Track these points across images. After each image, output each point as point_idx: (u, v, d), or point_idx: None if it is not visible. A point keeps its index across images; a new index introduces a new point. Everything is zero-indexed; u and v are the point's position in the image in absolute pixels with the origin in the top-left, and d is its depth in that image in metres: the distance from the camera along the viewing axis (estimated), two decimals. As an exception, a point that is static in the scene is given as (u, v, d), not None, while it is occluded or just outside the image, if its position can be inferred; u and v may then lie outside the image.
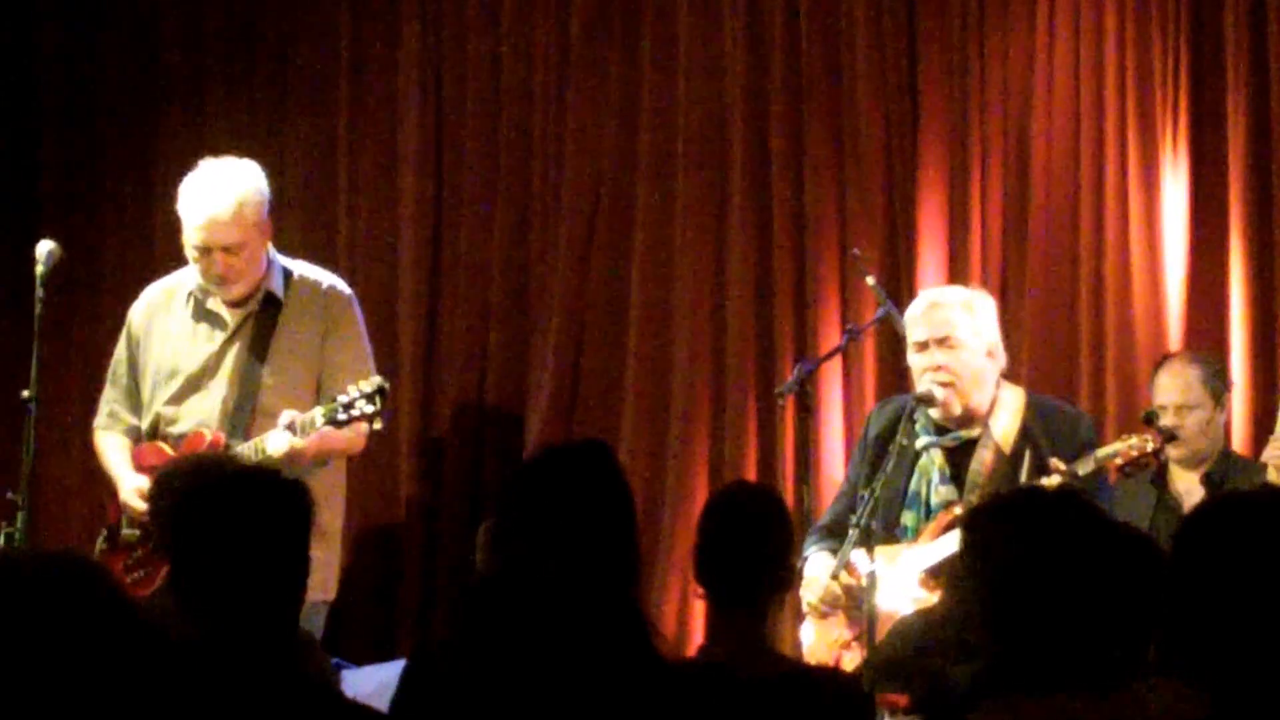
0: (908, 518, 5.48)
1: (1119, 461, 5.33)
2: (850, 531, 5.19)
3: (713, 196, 6.73)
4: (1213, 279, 6.08)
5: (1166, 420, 5.56)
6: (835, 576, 5.33)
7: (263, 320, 5.75)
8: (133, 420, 5.86)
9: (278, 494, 3.24)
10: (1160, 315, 6.11)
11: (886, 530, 5.41)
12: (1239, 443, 5.91)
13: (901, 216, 6.47)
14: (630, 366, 6.80)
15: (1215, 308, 6.07)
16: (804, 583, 5.41)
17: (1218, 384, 5.75)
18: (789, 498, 6.02)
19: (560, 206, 6.92)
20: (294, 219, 7.15)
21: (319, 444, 5.54)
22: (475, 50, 7.06)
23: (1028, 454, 5.40)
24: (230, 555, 3.15)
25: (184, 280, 5.84)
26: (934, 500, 5.47)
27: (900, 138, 6.49)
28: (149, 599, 5.16)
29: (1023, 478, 5.34)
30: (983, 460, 5.45)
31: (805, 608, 5.45)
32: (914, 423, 5.46)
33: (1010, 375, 5.62)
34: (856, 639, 5.26)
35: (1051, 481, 5.17)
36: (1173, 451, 5.66)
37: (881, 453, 5.44)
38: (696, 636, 6.27)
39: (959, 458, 5.48)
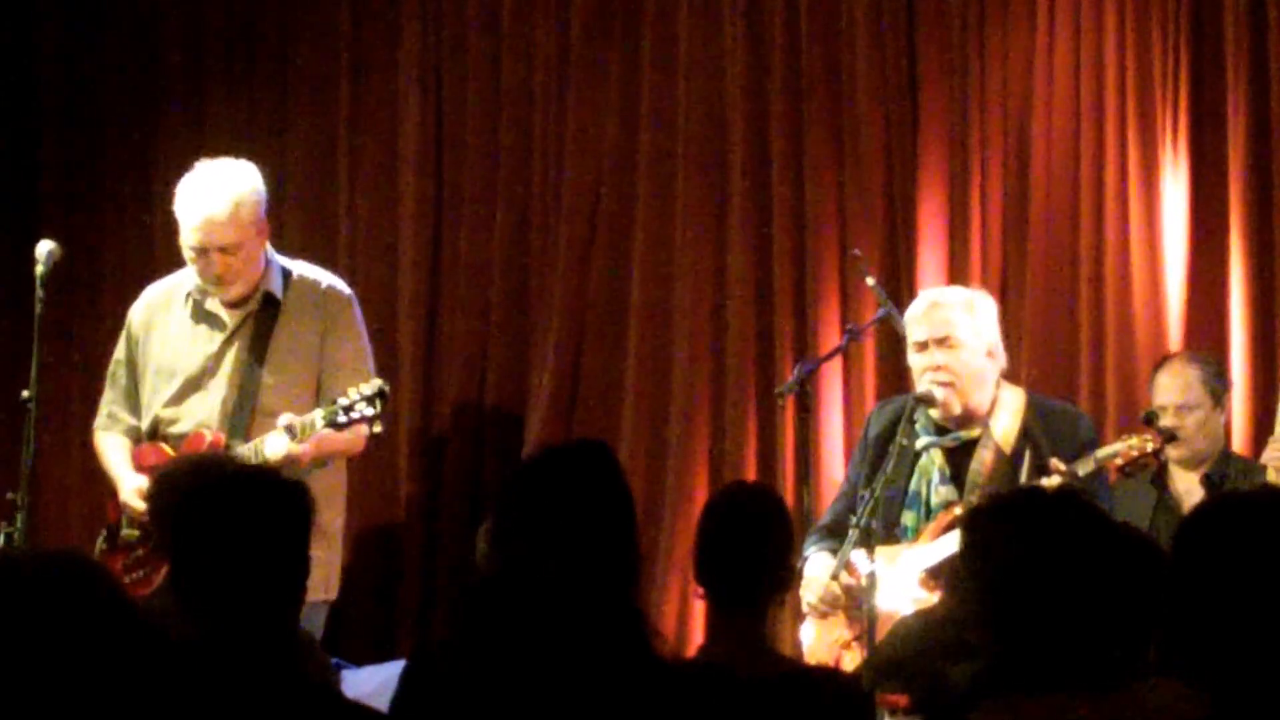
0: (908, 518, 5.48)
1: (1119, 462, 5.33)
2: (850, 532, 5.19)
3: (713, 196, 6.73)
4: (1213, 279, 6.08)
5: (1166, 421, 5.56)
6: (835, 577, 5.33)
7: (262, 320, 5.75)
8: (132, 421, 5.86)
9: (278, 494, 3.24)
10: (1160, 315, 6.11)
11: (886, 530, 5.41)
12: (1239, 443, 5.91)
13: (901, 216, 6.47)
14: (630, 366, 6.80)
15: (1215, 308, 6.07)
16: (804, 583, 5.41)
17: (1217, 384, 5.75)
18: (789, 498, 6.03)
19: (560, 206, 6.92)
20: (294, 219, 7.15)
21: (316, 448, 5.54)
22: (475, 50, 7.06)
23: (1028, 454, 5.40)
24: (230, 555, 3.15)
25: (183, 281, 5.84)
26: (934, 500, 5.47)
27: (900, 138, 6.49)
28: (149, 599, 5.16)
29: (1023, 478, 5.34)
30: (983, 460, 5.45)
31: (805, 608, 5.45)
32: (914, 423, 5.46)
33: (1010, 375, 5.62)
34: (856, 639, 5.26)
35: (1051, 482, 5.17)
36: (1172, 452, 5.66)
37: (882, 453, 5.44)
38: (696, 636, 6.27)
39: (959, 458, 5.48)
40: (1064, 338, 6.25)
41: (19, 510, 5.50)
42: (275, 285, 5.76)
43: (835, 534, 5.44)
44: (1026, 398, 5.55)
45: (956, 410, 5.46)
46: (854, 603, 5.28)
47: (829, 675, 4.19)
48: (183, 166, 5.83)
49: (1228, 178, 6.06)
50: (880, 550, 5.20)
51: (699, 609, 6.17)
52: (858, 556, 5.24)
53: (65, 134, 7.57)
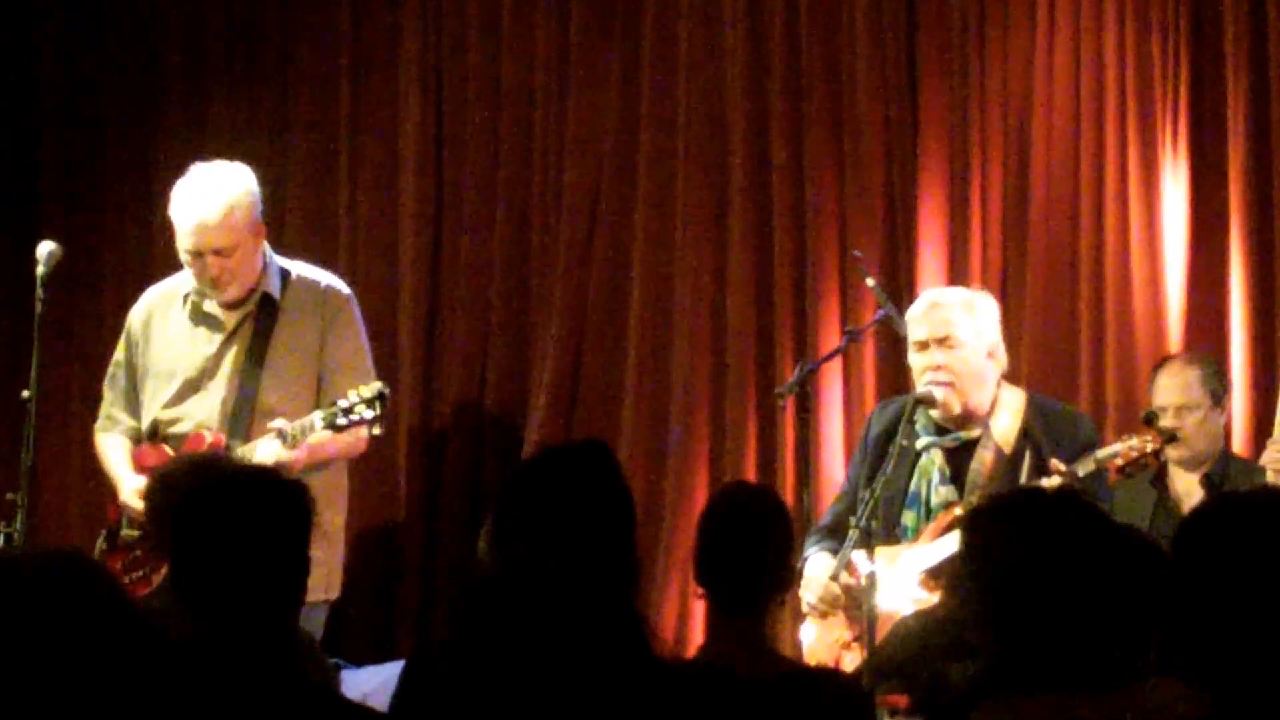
0: (908, 518, 5.48)
1: (1119, 462, 5.33)
2: (850, 532, 5.19)
3: (713, 196, 6.73)
4: (1213, 279, 6.08)
5: (1166, 421, 5.55)
6: (835, 577, 5.33)
7: (260, 321, 5.75)
8: (131, 422, 5.86)
9: (278, 494, 3.24)
10: (1160, 315, 6.11)
11: (887, 531, 5.41)
12: (1239, 445, 5.91)
13: (901, 216, 6.47)
14: (630, 366, 6.80)
15: (1215, 308, 6.07)
16: (804, 582, 5.40)
17: (1217, 385, 5.74)
18: (789, 498, 6.03)
19: (560, 206, 6.92)
20: (294, 219, 7.16)
21: (309, 456, 5.52)
22: (475, 50, 7.06)
23: (1028, 455, 5.40)
24: (230, 555, 3.15)
25: (182, 283, 5.84)
26: (934, 501, 5.47)
27: (900, 138, 6.49)
28: (149, 599, 5.16)
29: (1023, 478, 5.34)
30: (983, 461, 5.45)
31: (805, 608, 5.45)
32: (914, 423, 5.46)
33: (1010, 375, 5.62)
34: (856, 639, 5.26)
35: (1051, 482, 5.17)
36: (1172, 453, 5.66)
37: (882, 453, 5.44)
38: (696, 637, 6.27)
39: (959, 458, 5.48)
40: (1064, 338, 6.25)
41: (19, 510, 5.50)
42: (273, 286, 5.76)
43: (835, 534, 5.44)
44: (1027, 398, 5.55)
45: (956, 410, 5.46)
46: (854, 603, 5.28)
47: (829, 676, 4.19)
48: (183, 166, 5.84)
49: (1228, 178, 6.05)
50: (880, 550, 5.20)
51: (699, 609, 6.16)
52: (858, 557, 5.24)
53: (65, 134, 7.57)
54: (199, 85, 7.43)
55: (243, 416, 5.67)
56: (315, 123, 7.27)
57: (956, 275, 6.27)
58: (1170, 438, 5.48)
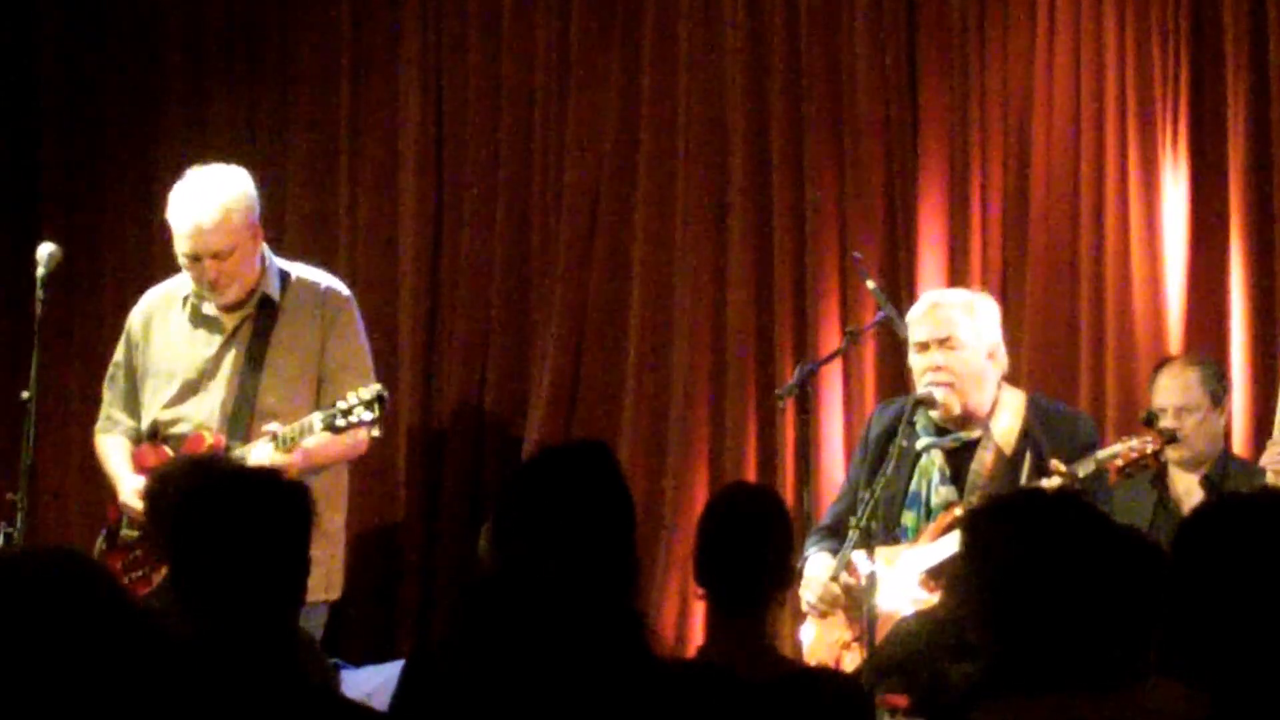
0: (908, 518, 5.48)
1: (1119, 463, 5.33)
2: (850, 532, 5.19)
3: (713, 196, 6.73)
4: (1213, 279, 6.08)
5: (1166, 422, 5.55)
6: (835, 578, 5.33)
7: (260, 323, 5.75)
8: (131, 423, 5.87)
9: (278, 495, 3.24)
10: (1160, 316, 6.11)
11: (887, 531, 5.41)
12: (1239, 446, 5.90)
13: (901, 216, 6.47)
14: (630, 366, 6.80)
15: (1215, 308, 6.07)
16: (803, 582, 5.40)
17: (1217, 386, 5.74)
18: (789, 498, 6.03)
19: (560, 206, 6.92)
20: (294, 219, 7.16)
21: (307, 459, 5.51)
22: (475, 50, 7.06)
23: (1028, 455, 5.40)
24: (230, 555, 3.15)
25: (182, 285, 5.84)
26: (934, 501, 5.47)
27: (900, 138, 6.49)
28: (148, 599, 5.16)
29: (1023, 479, 5.34)
30: (983, 461, 5.45)
31: (805, 607, 5.45)
32: (914, 424, 5.46)
33: (1010, 376, 5.62)
34: (857, 639, 5.26)
35: (1051, 483, 5.17)
36: (1172, 454, 5.66)
37: (882, 454, 5.44)
38: (696, 637, 6.27)
39: (959, 459, 5.48)
40: (1064, 338, 6.25)
41: (19, 510, 5.50)
42: (273, 287, 5.76)
43: (836, 534, 5.44)
44: (1027, 399, 5.55)
45: (956, 411, 5.47)
46: (854, 603, 5.28)
47: (829, 676, 4.19)
48: (183, 167, 5.84)
49: (1228, 178, 6.05)
50: (880, 551, 5.20)
51: (699, 609, 6.16)
52: (858, 557, 5.24)
53: (65, 134, 7.57)
54: (199, 85, 7.43)
55: (242, 418, 5.67)
56: (315, 123, 7.27)
57: (956, 275, 6.27)
58: (1170, 438, 5.48)
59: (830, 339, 6.38)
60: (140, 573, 5.60)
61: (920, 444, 5.49)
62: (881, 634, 4.88)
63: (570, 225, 6.89)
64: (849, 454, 6.15)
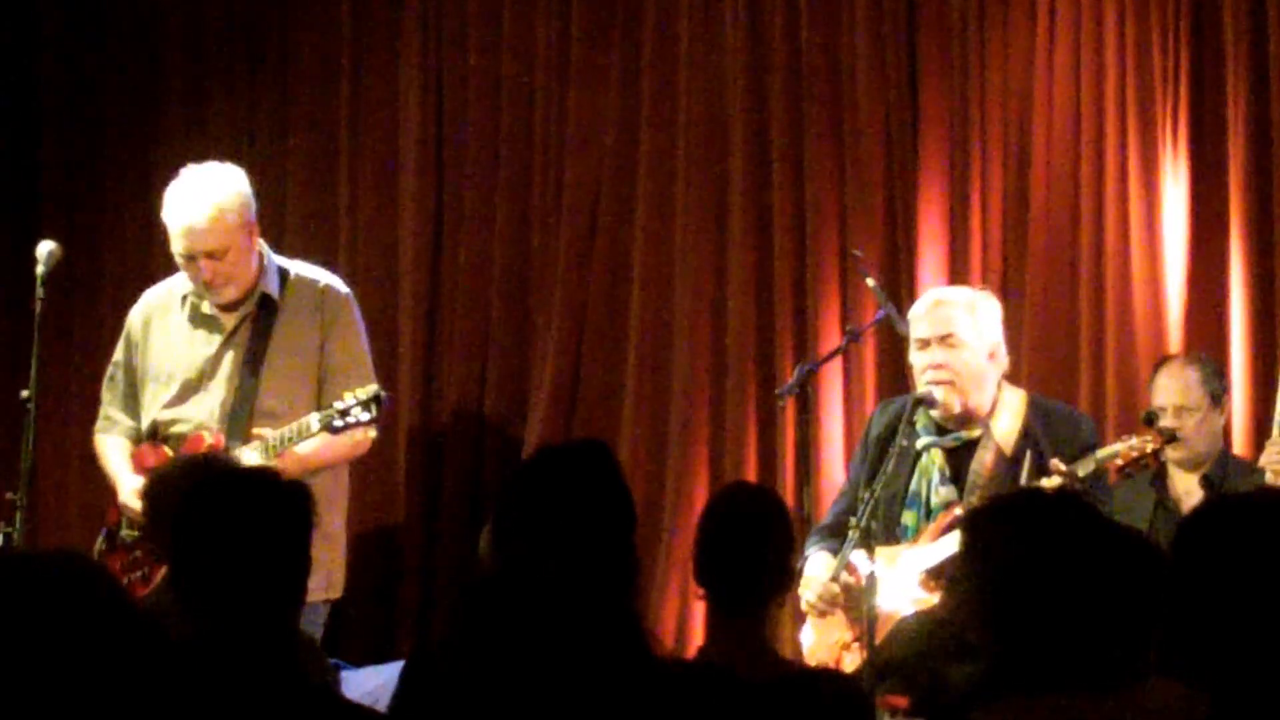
0: (908, 518, 5.48)
1: (1119, 462, 5.33)
2: (850, 532, 5.19)
3: (713, 196, 6.73)
4: (1213, 280, 6.08)
5: (1166, 422, 5.55)
6: (835, 578, 5.33)
7: (259, 322, 5.75)
8: (130, 423, 5.86)
9: (278, 495, 3.24)
10: (1160, 316, 6.11)
11: (887, 531, 5.41)
12: (1238, 446, 5.90)
13: (901, 216, 6.47)
14: (630, 366, 6.80)
15: (1215, 308, 6.07)
16: (803, 581, 5.40)
17: (1216, 386, 5.75)
18: (789, 498, 6.03)
19: (560, 206, 6.92)
20: (294, 219, 7.16)
21: (301, 464, 5.49)
22: (475, 50, 7.06)
23: (1028, 455, 5.39)
24: (230, 555, 3.15)
25: (182, 284, 5.84)
26: (934, 500, 5.47)
27: (900, 137, 6.49)
28: (148, 599, 5.16)
29: (1023, 479, 5.34)
30: (983, 461, 5.45)
31: (804, 606, 5.44)
32: (914, 423, 5.46)
33: (1010, 375, 5.62)
34: (857, 640, 5.26)
35: (1051, 482, 5.17)
36: (1172, 453, 5.66)
37: (882, 453, 5.44)
38: (696, 637, 6.27)
39: (959, 458, 5.48)
40: (1064, 338, 6.25)
41: (18, 510, 5.50)
42: (272, 286, 5.76)
43: (836, 534, 5.44)
44: (1027, 399, 5.55)
45: (956, 410, 5.46)
46: (853, 603, 5.28)
47: (829, 676, 4.19)
48: (182, 166, 5.84)
49: (1228, 178, 6.05)
50: (880, 551, 5.20)
51: (699, 609, 6.16)
52: (858, 557, 5.24)
53: (65, 134, 7.57)
54: (199, 85, 7.43)
55: (241, 417, 5.67)
56: (315, 123, 7.27)
57: (956, 275, 6.27)
58: (1170, 438, 5.48)
59: (830, 339, 6.38)
60: (140, 573, 5.60)
61: (920, 443, 5.48)
62: (881, 634, 4.87)
63: (570, 225, 6.89)
64: (849, 454, 6.15)
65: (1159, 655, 3.06)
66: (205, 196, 5.65)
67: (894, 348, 6.13)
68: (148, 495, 5.00)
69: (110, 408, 5.91)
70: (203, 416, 5.71)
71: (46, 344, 5.89)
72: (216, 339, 5.77)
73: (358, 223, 7.19)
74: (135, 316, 5.94)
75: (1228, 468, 5.72)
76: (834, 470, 6.28)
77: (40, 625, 2.42)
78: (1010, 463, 5.42)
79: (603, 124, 6.88)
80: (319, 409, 5.55)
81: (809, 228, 6.56)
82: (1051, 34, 6.29)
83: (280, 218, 7.01)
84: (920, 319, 5.54)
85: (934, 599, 5.18)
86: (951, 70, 6.42)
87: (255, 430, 5.56)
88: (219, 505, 3.22)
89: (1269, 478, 5.31)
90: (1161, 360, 5.86)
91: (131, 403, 5.87)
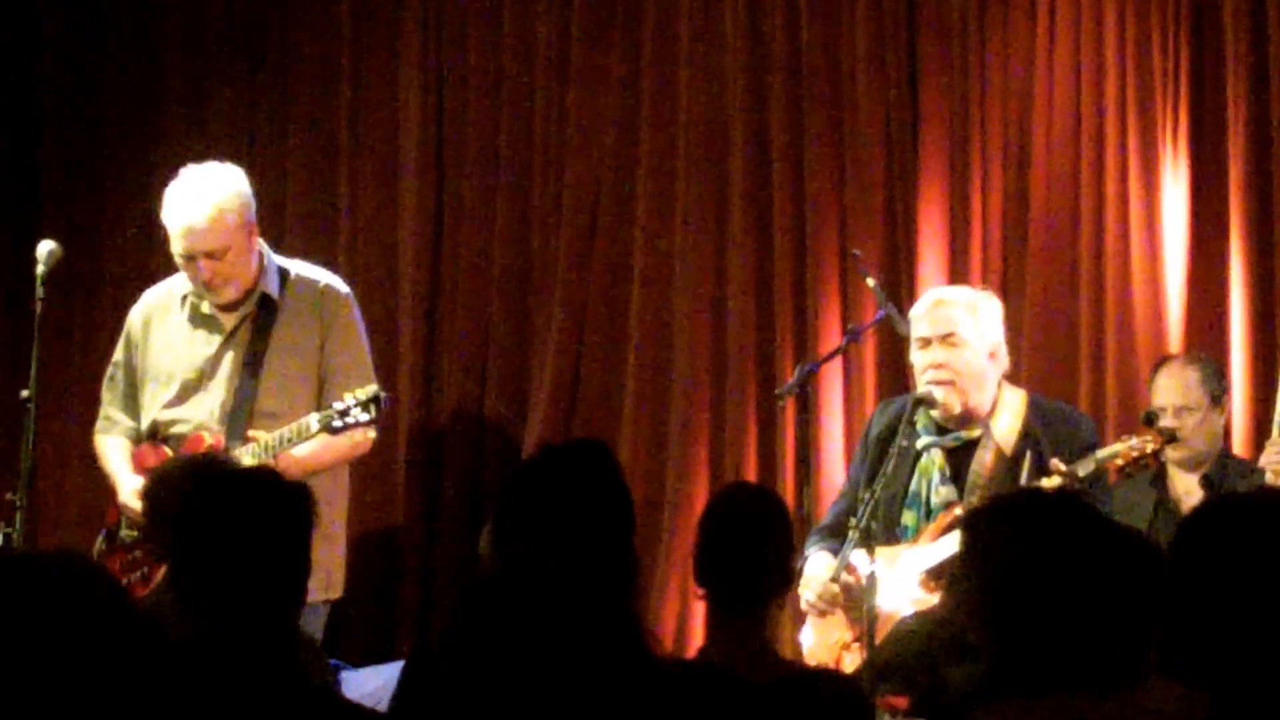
0: (908, 518, 5.48)
1: (1119, 462, 5.33)
2: (850, 533, 5.19)
3: (713, 196, 6.73)
4: (1213, 279, 6.08)
5: (1166, 422, 5.55)
6: (835, 578, 5.32)
7: (259, 322, 5.75)
8: (130, 423, 5.86)
9: (278, 495, 3.24)
10: (1160, 316, 6.11)
11: (887, 531, 5.41)
12: (1238, 445, 5.91)
13: (901, 216, 6.47)
14: (630, 366, 6.80)
15: (1215, 308, 6.07)
16: (803, 581, 5.40)
17: (1216, 386, 5.75)
18: (789, 498, 6.03)
19: (561, 206, 6.92)
20: (294, 219, 7.16)
21: (300, 466, 5.47)
22: (475, 50, 7.06)
23: (1028, 455, 5.39)
24: (230, 555, 3.15)
25: (181, 284, 5.84)
26: (934, 500, 5.47)
27: (900, 137, 6.49)
28: (147, 599, 5.16)
29: (1023, 479, 5.34)
30: (983, 461, 5.45)
31: (804, 605, 5.44)
32: (914, 423, 5.46)
33: (1010, 375, 5.62)
34: (857, 640, 5.26)
35: (1051, 483, 5.17)
36: (1172, 453, 5.66)
37: (883, 453, 5.44)
38: (696, 637, 6.27)
39: (959, 458, 5.48)
40: (1064, 338, 6.25)
41: (18, 510, 5.50)
42: (272, 286, 5.76)
43: (836, 534, 5.43)
44: (1028, 399, 5.55)
45: (956, 410, 5.46)
46: (853, 603, 5.27)
47: (829, 677, 4.19)
48: (182, 166, 5.83)
49: (1228, 178, 6.06)
50: (880, 551, 5.20)
51: (699, 610, 6.16)
52: (858, 557, 5.24)
53: (65, 134, 7.57)
54: (199, 85, 7.43)
55: (240, 418, 5.67)
56: (315, 123, 7.27)
57: (956, 275, 6.27)
58: (1170, 438, 5.48)
59: (830, 339, 6.38)
60: (140, 573, 5.60)
61: (920, 443, 5.48)
62: (881, 634, 4.87)
63: (570, 225, 6.89)
64: (849, 454, 6.15)
65: (1159, 655, 3.06)
66: (205, 197, 5.65)
67: (894, 348, 6.13)
68: (148, 495, 5.00)
69: (110, 408, 5.91)
70: (202, 417, 5.71)
71: (46, 344, 5.89)
72: (216, 339, 5.77)
73: (358, 223, 7.19)
74: (135, 316, 5.94)
75: (1228, 468, 5.72)
76: (834, 470, 6.28)
77: (40, 625, 2.42)
78: (1010, 463, 5.42)
79: (603, 124, 6.88)
80: (319, 409, 5.55)
81: (809, 228, 6.56)
82: (1051, 34, 6.29)
83: (280, 218, 7.01)
84: (921, 318, 5.54)
85: (934, 599, 5.17)
86: (951, 70, 6.42)
87: (250, 432, 5.56)
88: (219, 505, 3.22)
89: (1269, 478, 5.31)
90: (1161, 360, 5.86)
91: (131, 403, 5.87)
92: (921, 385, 5.48)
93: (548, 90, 6.96)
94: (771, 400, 6.36)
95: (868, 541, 5.20)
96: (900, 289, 6.25)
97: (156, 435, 5.78)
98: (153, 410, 5.79)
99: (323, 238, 7.11)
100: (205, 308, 5.78)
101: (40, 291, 5.72)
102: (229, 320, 5.76)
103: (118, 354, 5.94)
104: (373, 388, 5.49)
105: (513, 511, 3.60)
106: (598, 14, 6.90)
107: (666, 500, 6.66)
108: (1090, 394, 6.16)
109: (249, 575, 3.14)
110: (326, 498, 5.08)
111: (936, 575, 5.25)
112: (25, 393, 5.62)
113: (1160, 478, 5.78)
